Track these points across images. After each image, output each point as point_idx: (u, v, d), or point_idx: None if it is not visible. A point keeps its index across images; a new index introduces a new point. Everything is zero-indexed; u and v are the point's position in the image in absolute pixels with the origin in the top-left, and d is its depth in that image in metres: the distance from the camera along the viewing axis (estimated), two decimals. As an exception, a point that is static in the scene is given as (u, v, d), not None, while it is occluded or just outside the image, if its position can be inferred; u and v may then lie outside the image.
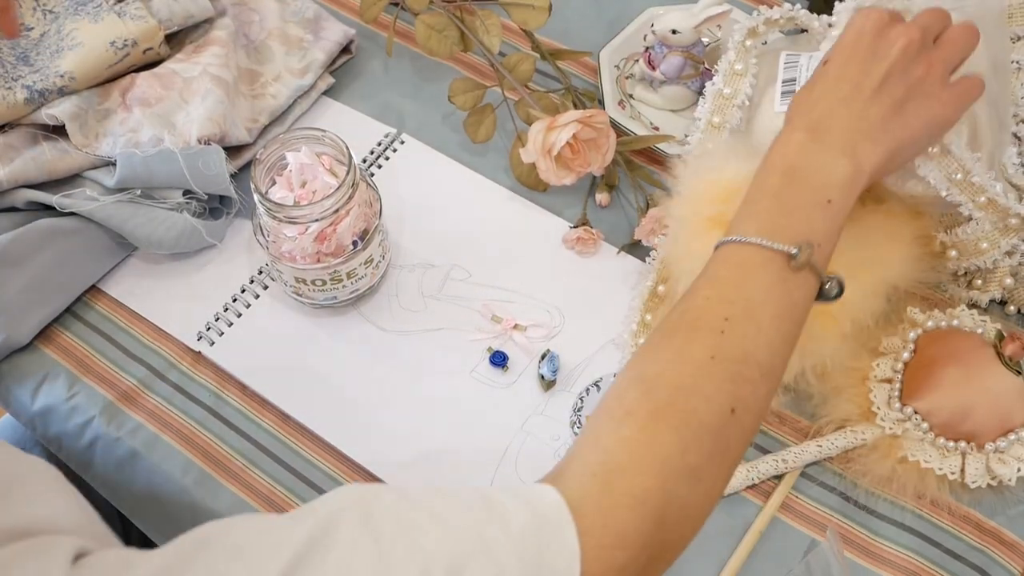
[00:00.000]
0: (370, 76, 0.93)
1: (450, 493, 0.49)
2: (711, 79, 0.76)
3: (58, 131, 0.81)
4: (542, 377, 0.75)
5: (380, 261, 0.78)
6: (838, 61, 0.62)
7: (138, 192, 0.79)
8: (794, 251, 0.56)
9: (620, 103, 0.88)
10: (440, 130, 0.89)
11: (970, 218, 0.70)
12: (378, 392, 0.75)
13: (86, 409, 0.75)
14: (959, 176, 0.66)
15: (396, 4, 0.91)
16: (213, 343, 0.78)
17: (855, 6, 0.69)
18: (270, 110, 0.87)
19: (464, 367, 0.76)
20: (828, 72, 0.62)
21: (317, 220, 0.70)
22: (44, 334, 0.78)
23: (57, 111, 0.80)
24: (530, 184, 0.85)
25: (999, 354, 0.69)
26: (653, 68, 0.86)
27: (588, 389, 0.75)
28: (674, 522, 0.51)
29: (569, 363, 0.76)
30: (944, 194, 0.67)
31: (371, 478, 0.72)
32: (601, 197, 0.84)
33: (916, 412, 0.69)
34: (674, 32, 0.83)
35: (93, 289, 0.80)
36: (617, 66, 0.90)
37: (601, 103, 0.88)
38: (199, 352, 0.77)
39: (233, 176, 0.81)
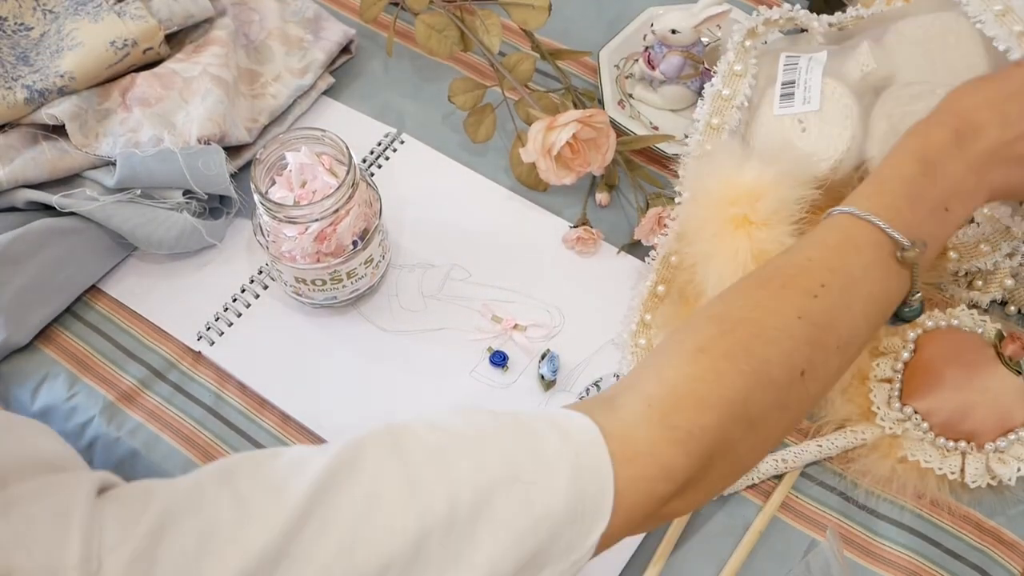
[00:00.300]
0: (370, 76, 0.93)
1: (482, 420, 0.49)
2: (710, 79, 0.76)
3: (58, 131, 0.81)
4: (542, 377, 0.75)
5: (380, 261, 0.78)
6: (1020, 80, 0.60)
7: (138, 192, 0.79)
8: (907, 243, 0.55)
9: (620, 103, 0.88)
10: (440, 130, 0.89)
11: (971, 220, 0.70)
12: (378, 392, 0.75)
13: (86, 409, 0.75)
14: None
15: (396, 4, 0.91)
16: (213, 343, 0.78)
17: None
18: (270, 110, 0.87)
19: (464, 367, 0.76)
20: (1004, 84, 0.60)
21: (317, 220, 0.70)
22: (44, 334, 0.78)
23: (57, 111, 0.80)
24: (530, 184, 0.85)
25: (999, 354, 0.69)
26: (653, 68, 0.86)
27: (588, 389, 0.75)
28: (721, 465, 0.51)
29: (569, 363, 0.76)
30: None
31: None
32: (601, 197, 0.84)
33: (916, 412, 0.69)
34: (674, 32, 0.83)
35: (93, 289, 0.80)
36: (617, 66, 0.90)
37: (601, 103, 0.88)
38: (199, 352, 0.77)
39: (233, 176, 0.81)
